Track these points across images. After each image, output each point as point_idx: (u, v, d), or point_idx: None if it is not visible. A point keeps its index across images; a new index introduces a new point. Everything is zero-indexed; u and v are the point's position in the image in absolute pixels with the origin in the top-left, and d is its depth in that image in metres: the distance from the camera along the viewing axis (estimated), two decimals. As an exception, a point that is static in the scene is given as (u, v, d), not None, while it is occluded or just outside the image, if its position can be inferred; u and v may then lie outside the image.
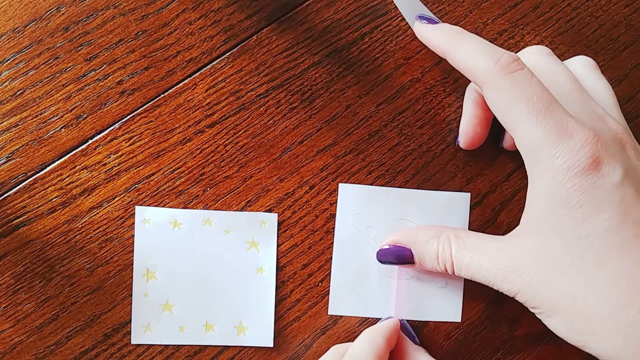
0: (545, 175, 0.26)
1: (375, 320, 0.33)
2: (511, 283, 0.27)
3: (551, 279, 0.26)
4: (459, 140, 0.33)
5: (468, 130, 0.33)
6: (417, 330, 0.33)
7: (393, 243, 0.32)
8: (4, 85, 0.32)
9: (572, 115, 0.26)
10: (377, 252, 0.32)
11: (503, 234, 0.34)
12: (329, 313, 0.33)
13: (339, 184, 0.33)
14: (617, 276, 0.25)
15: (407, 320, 0.33)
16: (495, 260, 0.28)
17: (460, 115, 0.34)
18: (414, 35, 0.34)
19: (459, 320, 0.33)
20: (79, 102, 0.33)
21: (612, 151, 0.25)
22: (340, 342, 0.33)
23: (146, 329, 0.32)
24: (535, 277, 0.26)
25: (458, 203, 0.33)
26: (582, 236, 0.25)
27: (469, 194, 0.34)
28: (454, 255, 0.29)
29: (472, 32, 0.35)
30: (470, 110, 0.33)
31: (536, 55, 0.31)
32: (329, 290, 0.33)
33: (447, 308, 0.33)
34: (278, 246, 0.33)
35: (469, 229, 0.34)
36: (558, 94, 0.28)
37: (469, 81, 0.33)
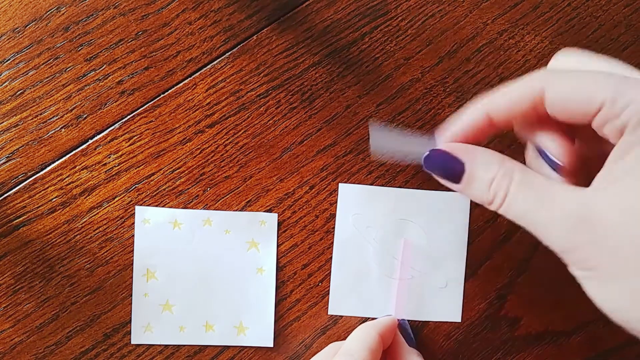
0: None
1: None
2: (575, 235, 0.23)
3: (636, 235, 0.22)
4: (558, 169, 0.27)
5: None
6: (417, 330, 0.33)
7: (448, 150, 0.26)
8: (4, 85, 0.32)
9: None
10: (425, 156, 0.26)
11: (503, 234, 0.34)
12: (329, 313, 0.33)
13: (339, 184, 0.33)
14: None
15: (408, 320, 0.33)
16: (563, 205, 0.23)
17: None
18: (414, 35, 0.35)
19: (459, 320, 0.33)
20: (79, 102, 0.33)
21: None
22: (349, 336, 0.33)
23: (146, 329, 0.32)
24: (614, 230, 0.22)
25: (458, 203, 0.33)
26: None
27: None
28: (513, 188, 0.25)
29: (472, 32, 0.35)
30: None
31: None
32: (329, 290, 0.33)
33: (447, 308, 0.33)
34: (278, 246, 0.33)
35: (469, 229, 0.34)
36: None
37: (470, 82, 0.33)
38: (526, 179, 0.25)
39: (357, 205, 0.33)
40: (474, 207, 0.34)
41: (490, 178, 0.25)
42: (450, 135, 0.26)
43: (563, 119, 0.24)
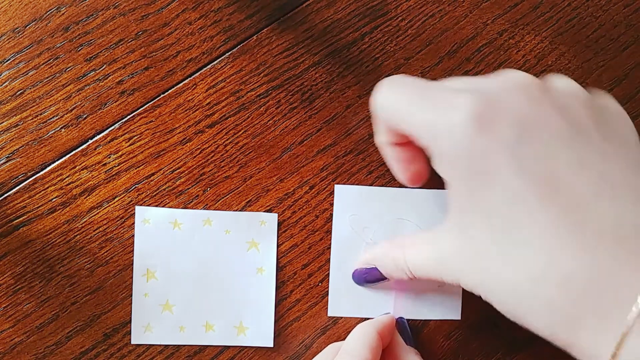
0: (444, 156, 0.25)
1: (375, 320, 0.33)
2: (448, 273, 0.26)
3: (474, 260, 0.24)
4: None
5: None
6: (417, 330, 0.33)
7: (361, 265, 0.32)
8: (4, 85, 0.32)
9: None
10: (352, 275, 0.33)
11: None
12: (328, 314, 0.33)
13: (335, 185, 0.33)
14: (531, 247, 0.23)
15: (407, 320, 0.33)
16: (428, 255, 0.27)
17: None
18: (414, 35, 0.35)
19: (459, 317, 0.33)
20: (79, 102, 0.33)
21: (502, 109, 0.23)
22: (349, 336, 0.33)
23: (146, 329, 0.32)
24: (461, 263, 0.25)
25: None
26: (489, 207, 0.23)
27: None
28: (407, 259, 0.28)
29: (472, 32, 0.35)
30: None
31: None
32: (328, 290, 0.33)
33: (447, 306, 0.33)
34: (278, 246, 0.33)
35: None
36: None
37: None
38: (408, 245, 0.28)
39: (353, 206, 0.33)
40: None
41: (392, 263, 0.29)
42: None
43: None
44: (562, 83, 0.26)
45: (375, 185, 0.33)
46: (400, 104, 0.26)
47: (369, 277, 0.32)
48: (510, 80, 0.25)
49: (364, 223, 0.33)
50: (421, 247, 0.28)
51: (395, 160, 0.30)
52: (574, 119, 0.24)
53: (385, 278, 0.31)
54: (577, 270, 0.22)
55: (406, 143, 0.29)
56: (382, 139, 0.29)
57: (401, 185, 0.33)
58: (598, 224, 0.22)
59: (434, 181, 0.34)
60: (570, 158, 0.23)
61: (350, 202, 0.33)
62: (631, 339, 0.20)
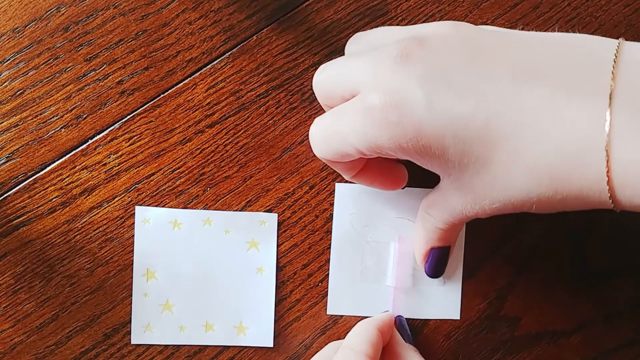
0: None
1: (375, 320, 0.33)
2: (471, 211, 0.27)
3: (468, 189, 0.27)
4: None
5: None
6: (417, 330, 0.33)
7: (420, 259, 0.32)
8: (4, 85, 0.32)
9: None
10: (426, 272, 0.32)
11: (503, 234, 0.34)
12: (327, 313, 0.33)
13: (336, 184, 0.33)
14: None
15: (406, 319, 0.33)
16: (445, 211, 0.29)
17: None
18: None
19: (458, 317, 0.33)
20: (79, 102, 0.33)
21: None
22: (349, 333, 0.33)
23: (146, 329, 0.32)
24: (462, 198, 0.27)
25: None
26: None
27: None
28: (436, 222, 0.30)
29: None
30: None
31: None
32: (328, 288, 0.33)
33: (446, 306, 0.33)
34: (278, 246, 0.33)
35: (466, 223, 0.33)
36: None
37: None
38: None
39: (353, 205, 0.33)
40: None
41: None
42: None
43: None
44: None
45: (375, 185, 0.33)
46: (328, 136, 0.28)
47: (437, 261, 0.31)
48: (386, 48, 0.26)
49: (364, 222, 0.33)
50: (437, 206, 0.29)
51: (369, 183, 0.31)
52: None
53: (446, 248, 0.31)
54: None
55: (366, 167, 0.30)
56: (348, 177, 0.31)
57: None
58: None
59: (437, 181, 0.34)
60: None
61: (351, 200, 0.33)
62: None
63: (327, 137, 0.28)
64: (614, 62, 0.22)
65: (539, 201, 0.24)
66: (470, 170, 0.25)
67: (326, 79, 0.29)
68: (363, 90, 0.26)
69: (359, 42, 0.31)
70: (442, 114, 0.24)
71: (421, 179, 0.34)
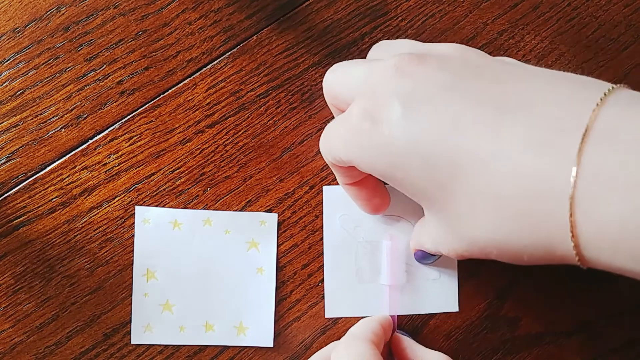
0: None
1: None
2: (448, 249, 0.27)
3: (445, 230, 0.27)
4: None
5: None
6: (417, 331, 0.33)
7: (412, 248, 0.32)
8: (4, 85, 0.32)
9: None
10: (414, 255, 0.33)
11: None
12: (325, 316, 0.33)
13: (323, 187, 0.33)
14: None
15: (405, 316, 0.33)
16: (428, 241, 0.30)
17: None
18: (414, 35, 0.35)
19: (457, 309, 0.33)
20: (79, 102, 0.33)
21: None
22: (351, 328, 0.33)
23: (146, 329, 0.32)
24: (443, 237, 0.27)
25: None
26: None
27: None
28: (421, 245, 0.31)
29: (472, 32, 0.35)
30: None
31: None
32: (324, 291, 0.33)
33: (444, 299, 0.33)
34: (278, 246, 0.33)
35: None
36: None
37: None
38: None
39: (343, 206, 0.33)
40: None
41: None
42: None
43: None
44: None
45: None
46: (327, 140, 0.28)
47: (422, 257, 0.32)
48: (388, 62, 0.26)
49: (355, 222, 0.33)
50: (422, 232, 0.30)
51: (355, 197, 0.31)
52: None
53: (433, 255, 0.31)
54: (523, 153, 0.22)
55: (363, 180, 0.30)
56: (340, 181, 0.31)
57: None
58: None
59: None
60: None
61: (340, 202, 0.33)
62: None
63: (326, 140, 0.28)
64: (596, 107, 0.20)
65: (506, 244, 0.23)
66: (438, 200, 0.24)
67: (333, 80, 0.29)
68: (355, 96, 0.26)
69: (379, 50, 0.30)
70: (413, 133, 0.23)
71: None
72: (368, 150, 0.25)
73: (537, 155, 0.21)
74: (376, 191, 0.31)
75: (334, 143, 0.27)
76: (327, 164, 0.33)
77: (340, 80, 0.28)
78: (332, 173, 0.33)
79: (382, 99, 0.24)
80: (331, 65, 0.34)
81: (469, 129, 0.22)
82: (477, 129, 0.22)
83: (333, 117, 0.34)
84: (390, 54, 0.27)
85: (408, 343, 0.31)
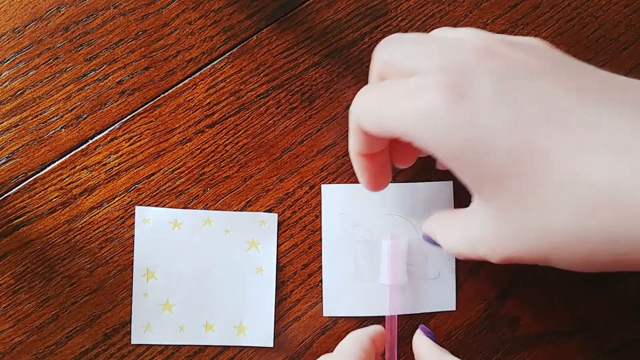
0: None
1: (372, 319, 0.33)
2: (481, 253, 0.25)
3: (507, 234, 0.24)
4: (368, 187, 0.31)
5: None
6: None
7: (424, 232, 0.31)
8: (4, 85, 0.32)
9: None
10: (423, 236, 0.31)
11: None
12: (324, 315, 0.33)
13: (322, 186, 0.33)
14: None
15: (405, 315, 0.33)
16: (459, 238, 0.27)
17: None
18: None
19: (454, 308, 0.33)
20: (79, 102, 0.33)
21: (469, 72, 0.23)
22: (340, 342, 0.33)
23: (146, 329, 0.32)
24: (495, 242, 0.25)
25: (442, 192, 0.33)
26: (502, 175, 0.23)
27: (451, 182, 0.34)
28: (439, 239, 0.29)
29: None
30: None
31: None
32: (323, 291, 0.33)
33: (442, 298, 0.33)
34: (278, 246, 0.33)
35: None
36: None
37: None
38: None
39: (341, 205, 0.33)
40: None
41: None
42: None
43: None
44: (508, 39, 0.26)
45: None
46: (372, 106, 0.25)
47: (431, 241, 0.31)
48: (465, 42, 0.25)
49: (353, 221, 0.33)
50: (453, 229, 0.27)
51: (363, 170, 0.30)
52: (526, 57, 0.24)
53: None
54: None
55: (377, 154, 0.29)
56: (355, 149, 0.29)
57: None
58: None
59: (421, 173, 0.34)
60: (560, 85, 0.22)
61: (338, 201, 0.33)
62: None
63: (365, 106, 0.26)
64: None
65: (586, 237, 0.21)
66: (510, 188, 0.22)
67: (396, 49, 0.26)
68: (429, 70, 0.24)
69: (446, 33, 0.28)
70: (502, 114, 0.22)
71: (421, 180, 0.34)
72: (440, 124, 0.22)
73: (633, 151, 0.20)
74: (384, 168, 0.30)
75: (384, 111, 0.24)
76: (326, 164, 0.33)
77: (407, 51, 0.25)
78: (332, 173, 0.33)
79: (471, 76, 0.22)
80: (331, 65, 0.34)
81: (567, 116, 0.21)
82: (576, 117, 0.21)
83: (333, 115, 0.34)
84: (462, 37, 0.25)
85: (431, 351, 0.30)
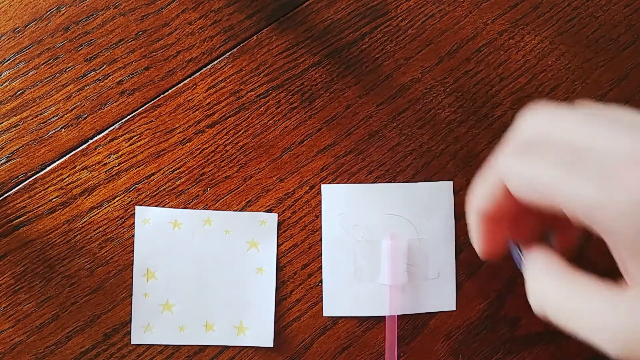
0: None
1: (373, 319, 0.33)
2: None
3: None
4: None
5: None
6: (417, 331, 0.33)
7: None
8: (4, 85, 0.32)
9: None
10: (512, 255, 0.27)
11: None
12: (324, 315, 0.33)
13: (322, 186, 0.33)
14: None
15: (405, 315, 0.33)
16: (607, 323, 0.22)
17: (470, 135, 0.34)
18: (414, 35, 0.35)
19: (454, 308, 0.33)
20: (79, 102, 0.33)
21: None
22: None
23: (146, 329, 0.32)
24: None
25: (442, 192, 0.33)
26: None
27: (451, 182, 0.34)
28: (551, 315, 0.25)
29: (472, 32, 0.35)
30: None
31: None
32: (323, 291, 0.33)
33: (442, 298, 0.33)
34: (278, 246, 0.33)
35: (455, 215, 0.33)
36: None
37: (470, 82, 0.33)
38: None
39: (341, 205, 0.33)
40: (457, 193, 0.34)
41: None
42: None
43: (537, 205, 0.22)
44: None
45: (362, 183, 0.33)
46: (545, 176, 0.21)
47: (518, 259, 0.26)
48: None
49: (353, 221, 0.33)
50: (598, 309, 0.23)
51: (482, 233, 0.26)
52: None
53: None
54: None
55: (500, 218, 0.25)
56: (481, 205, 0.25)
57: (388, 180, 0.33)
58: None
59: (421, 173, 0.34)
60: None
61: (338, 201, 0.33)
62: None
63: (537, 175, 0.22)
64: None
65: None
66: None
67: (556, 186, 0.21)
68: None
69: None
70: None
71: (422, 180, 0.34)
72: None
73: None
74: (504, 234, 0.26)
75: (556, 186, 0.21)
76: (326, 164, 0.33)
77: (557, 193, 0.21)
78: (332, 173, 0.33)
79: None
80: (331, 65, 0.34)
81: None
82: None
83: (334, 115, 0.34)
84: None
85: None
